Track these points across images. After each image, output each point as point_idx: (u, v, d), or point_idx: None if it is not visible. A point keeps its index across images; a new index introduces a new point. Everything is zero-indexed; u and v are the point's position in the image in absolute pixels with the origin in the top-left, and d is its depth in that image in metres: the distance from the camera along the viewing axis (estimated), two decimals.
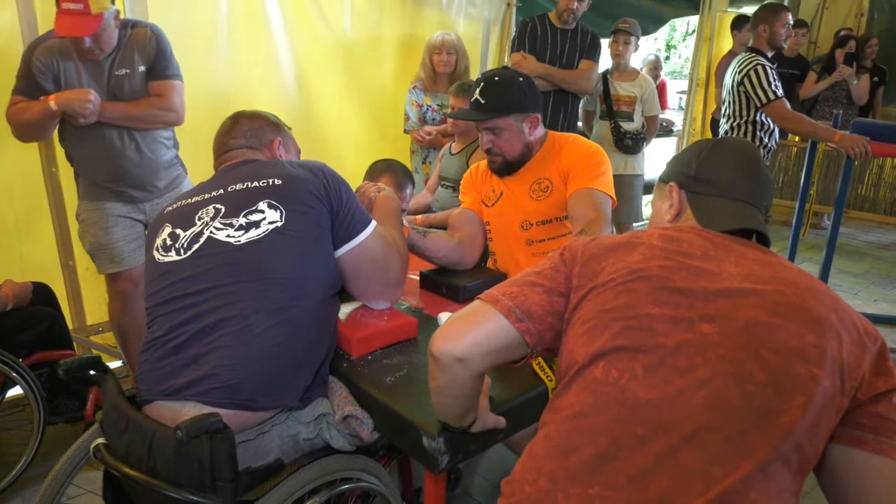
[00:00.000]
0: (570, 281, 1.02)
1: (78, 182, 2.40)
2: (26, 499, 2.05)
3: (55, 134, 2.31)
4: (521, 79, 1.87)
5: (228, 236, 1.31)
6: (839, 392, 0.86)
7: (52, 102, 2.10)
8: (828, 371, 0.84)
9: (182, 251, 1.32)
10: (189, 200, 1.42)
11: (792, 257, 3.90)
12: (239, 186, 1.39)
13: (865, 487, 0.87)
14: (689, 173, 1.12)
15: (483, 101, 1.84)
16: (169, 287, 1.30)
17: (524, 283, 1.04)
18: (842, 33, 5.37)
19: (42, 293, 2.27)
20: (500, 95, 1.83)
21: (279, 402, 1.25)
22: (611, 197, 1.85)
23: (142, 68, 2.27)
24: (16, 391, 2.09)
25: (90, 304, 2.76)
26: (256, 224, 1.32)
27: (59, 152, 2.45)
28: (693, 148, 1.16)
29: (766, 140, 3.25)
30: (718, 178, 1.09)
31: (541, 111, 1.92)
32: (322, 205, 1.36)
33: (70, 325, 2.51)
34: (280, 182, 1.37)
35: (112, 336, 2.82)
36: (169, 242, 1.36)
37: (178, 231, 1.36)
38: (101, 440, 1.24)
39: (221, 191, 1.40)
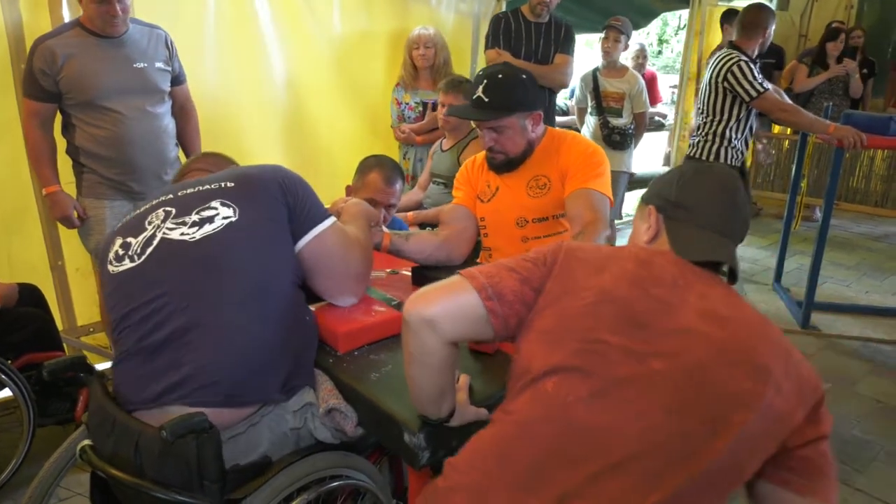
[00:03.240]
0: (544, 282, 1.05)
1: (82, 179, 2.39)
2: (17, 502, 2.04)
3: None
4: (524, 76, 1.85)
5: (182, 234, 1.28)
6: (769, 437, 0.90)
7: (46, 193, 2.34)
8: (759, 416, 0.88)
9: (136, 257, 1.28)
10: (137, 212, 1.39)
11: (784, 250, 3.92)
12: (189, 190, 1.36)
13: None
14: (668, 198, 1.13)
15: (487, 100, 1.81)
16: (129, 297, 1.25)
17: (503, 267, 1.07)
18: (833, 25, 5.38)
19: (29, 294, 2.25)
20: (505, 94, 1.81)
21: (262, 395, 1.24)
22: (609, 198, 1.84)
23: (158, 65, 2.41)
24: (5, 393, 2.07)
25: (80, 304, 2.74)
26: (210, 220, 1.29)
27: None
28: (676, 172, 1.17)
29: (735, 142, 3.15)
30: (695, 207, 1.10)
31: (542, 108, 1.90)
32: (277, 200, 1.33)
33: (60, 326, 2.49)
34: (232, 184, 1.35)
35: (103, 336, 2.81)
36: (121, 252, 1.31)
37: (130, 239, 1.32)
38: (87, 442, 1.23)
39: (171, 195, 1.37)
